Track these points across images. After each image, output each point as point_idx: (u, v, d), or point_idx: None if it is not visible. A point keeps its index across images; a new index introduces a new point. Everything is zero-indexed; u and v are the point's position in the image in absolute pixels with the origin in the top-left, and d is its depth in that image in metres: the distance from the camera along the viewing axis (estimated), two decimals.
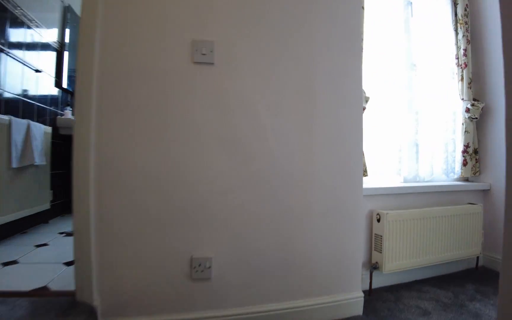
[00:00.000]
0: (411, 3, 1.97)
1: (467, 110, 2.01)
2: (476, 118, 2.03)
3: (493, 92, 2.01)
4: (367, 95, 1.65)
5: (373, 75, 1.84)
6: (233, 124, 1.25)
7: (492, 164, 2.05)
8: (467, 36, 2.01)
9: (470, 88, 2.03)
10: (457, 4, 2.02)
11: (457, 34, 2.04)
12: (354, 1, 1.42)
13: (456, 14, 2.04)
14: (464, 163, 2.06)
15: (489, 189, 2.04)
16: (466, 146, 2.05)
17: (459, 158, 2.08)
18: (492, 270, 1.98)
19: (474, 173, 2.06)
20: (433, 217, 1.74)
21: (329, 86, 1.37)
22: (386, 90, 1.88)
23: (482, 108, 2.03)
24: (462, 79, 2.02)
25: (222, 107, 1.24)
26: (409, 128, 1.93)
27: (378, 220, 1.64)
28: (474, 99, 2.06)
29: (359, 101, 1.43)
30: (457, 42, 2.04)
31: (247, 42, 1.27)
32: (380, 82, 1.87)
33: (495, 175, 2.01)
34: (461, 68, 2.02)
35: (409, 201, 1.82)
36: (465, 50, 2.00)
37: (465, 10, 2.02)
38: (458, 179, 2.13)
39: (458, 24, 2.02)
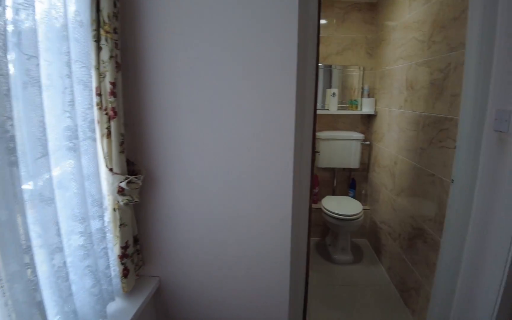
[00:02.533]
0: None
1: (120, 191, 1.14)
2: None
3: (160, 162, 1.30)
4: None
5: None
6: None
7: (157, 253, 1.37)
8: (117, 56, 1.08)
9: (123, 151, 1.15)
10: None
11: (99, 50, 1.04)
12: None
13: (98, 10, 1.02)
14: (124, 274, 1.20)
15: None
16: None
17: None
18: None
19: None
20: None
21: None
22: None
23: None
24: (108, 135, 1.09)
25: None
26: None
27: None
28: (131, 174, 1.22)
29: None
30: (99, 65, 1.05)
31: None
32: None
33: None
34: (108, 116, 1.08)
35: None
36: (113, 83, 1.07)
37: (115, 5, 1.05)
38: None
39: (102, 32, 1.03)
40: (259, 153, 1.25)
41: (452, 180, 1.53)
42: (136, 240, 1.32)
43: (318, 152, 2.99)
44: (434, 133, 1.82)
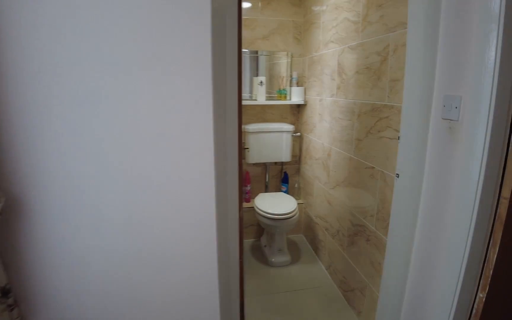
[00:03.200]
0: None
1: None
2: None
3: None
4: None
5: None
6: None
7: None
8: None
9: None
10: None
11: None
12: None
13: None
14: None
15: None
16: None
17: None
18: None
19: None
20: None
21: None
22: None
23: None
24: None
25: None
26: None
27: None
28: None
29: None
30: None
31: None
32: None
33: None
34: None
35: None
36: None
37: None
38: None
39: None
40: (168, 156, 0.90)
41: (397, 174, 1.38)
42: (6, 292, 0.85)
43: (247, 148, 2.71)
44: (372, 123, 1.68)
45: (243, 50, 2.61)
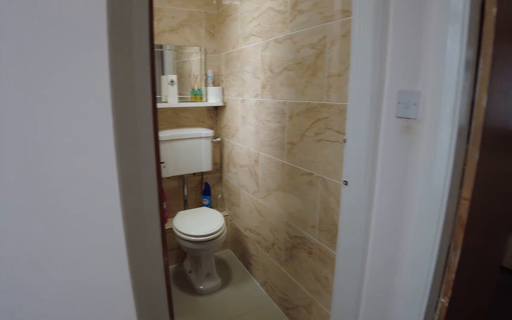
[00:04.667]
0: None
1: None
2: None
3: None
4: None
5: None
6: None
7: None
8: None
9: None
10: None
11: None
12: None
13: None
14: None
15: None
16: None
17: None
18: None
19: None
20: None
21: None
22: None
23: None
24: None
25: None
26: None
27: None
28: None
29: None
30: None
31: None
32: None
33: None
34: None
35: None
36: None
37: None
38: None
39: None
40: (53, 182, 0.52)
41: (345, 181, 1.23)
42: None
43: (163, 162, 2.29)
44: (308, 124, 1.51)
45: None
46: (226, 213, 2.68)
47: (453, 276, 1.05)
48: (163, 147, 2.30)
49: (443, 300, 1.08)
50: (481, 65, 0.92)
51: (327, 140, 1.40)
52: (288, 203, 1.76)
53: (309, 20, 1.45)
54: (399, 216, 1.09)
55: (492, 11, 0.89)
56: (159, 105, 2.32)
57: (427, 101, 0.94)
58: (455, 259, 1.04)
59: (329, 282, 1.48)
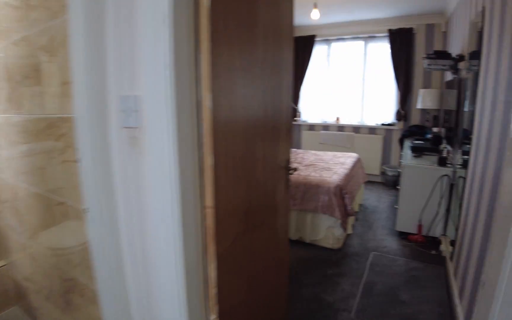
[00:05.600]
0: None
1: None
2: None
3: None
4: None
5: None
6: None
7: None
8: None
9: None
10: None
11: None
12: None
13: None
14: None
15: None
16: None
17: None
18: None
19: None
20: None
21: None
22: None
23: None
24: None
25: None
26: None
27: None
28: None
29: None
30: None
31: None
32: None
33: None
34: None
35: None
36: None
37: None
38: None
39: None
40: None
41: (86, 209, 1.04)
42: None
43: None
44: (51, 143, 1.24)
45: None
46: (2, 263, 2.05)
47: (215, 290, 1.00)
48: None
49: (212, 318, 1.02)
50: (201, 63, 0.89)
51: (70, 161, 1.16)
52: (51, 240, 1.43)
53: (39, 18, 1.18)
54: (142, 238, 0.97)
55: (204, 0, 0.84)
56: None
57: (147, 107, 0.84)
58: (212, 271, 0.99)
59: None
